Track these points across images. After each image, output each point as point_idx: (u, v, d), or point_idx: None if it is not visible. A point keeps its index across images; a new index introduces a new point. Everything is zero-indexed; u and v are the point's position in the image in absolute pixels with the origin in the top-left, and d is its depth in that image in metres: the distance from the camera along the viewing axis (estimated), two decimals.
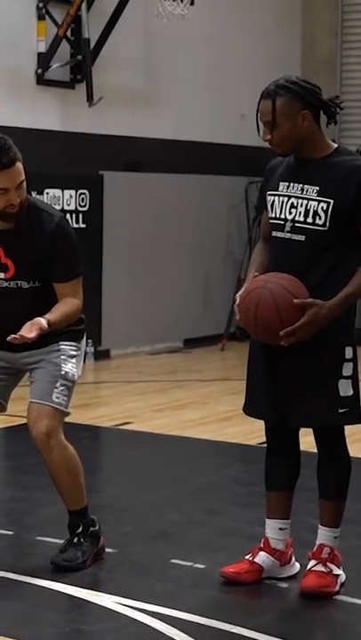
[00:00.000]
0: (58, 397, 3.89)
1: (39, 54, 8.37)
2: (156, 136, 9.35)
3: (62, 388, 3.90)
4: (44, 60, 8.36)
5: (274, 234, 3.69)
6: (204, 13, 9.26)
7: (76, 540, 3.97)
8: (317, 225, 3.59)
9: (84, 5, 8.34)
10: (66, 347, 3.95)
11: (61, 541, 4.02)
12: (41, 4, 8.31)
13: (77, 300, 3.92)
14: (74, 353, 3.96)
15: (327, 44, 11.00)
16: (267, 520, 3.85)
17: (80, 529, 3.97)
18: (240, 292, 3.65)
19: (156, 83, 9.39)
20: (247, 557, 3.84)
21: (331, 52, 11.00)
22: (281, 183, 3.67)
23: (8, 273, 3.90)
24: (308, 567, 3.76)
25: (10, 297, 3.91)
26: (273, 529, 3.83)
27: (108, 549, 4.09)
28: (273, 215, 3.69)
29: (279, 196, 3.67)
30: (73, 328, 3.97)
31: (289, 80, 3.62)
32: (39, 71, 8.37)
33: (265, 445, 5.77)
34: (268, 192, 3.71)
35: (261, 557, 3.82)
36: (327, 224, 3.58)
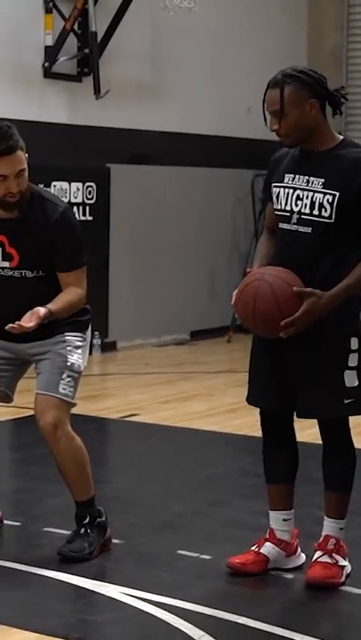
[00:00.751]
0: (64, 389, 3.91)
1: (46, 48, 8.38)
2: (163, 129, 9.35)
3: (68, 379, 3.92)
4: (51, 53, 8.37)
5: (281, 225, 3.69)
6: (210, 7, 9.25)
7: (82, 530, 3.99)
8: (323, 217, 3.59)
9: None
10: (71, 338, 3.96)
11: (68, 532, 4.05)
12: None
13: (80, 290, 3.93)
14: (79, 344, 3.98)
15: (333, 38, 10.98)
16: (270, 512, 3.87)
17: (87, 520, 3.99)
18: (236, 290, 3.65)
19: (162, 76, 9.39)
20: (253, 548, 3.86)
21: (337, 45, 10.98)
22: (286, 175, 3.67)
23: (13, 262, 3.91)
24: (314, 558, 3.78)
25: (14, 286, 3.93)
26: (277, 520, 3.86)
27: (114, 540, 4.11)
28: (279, 207, 3.69)
29: (285, 187, 3.67)
30: (78, 319, 3.99)
31: (296, 69, 3.62)
32: (46, 64, 8.38)
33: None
34: (274, 184, 3.71)
35: (267, 548, 3.84)
36: (333, 216, 3.59)
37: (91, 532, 3.99)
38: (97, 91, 8.51)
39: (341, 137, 3.71)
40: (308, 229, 3.62)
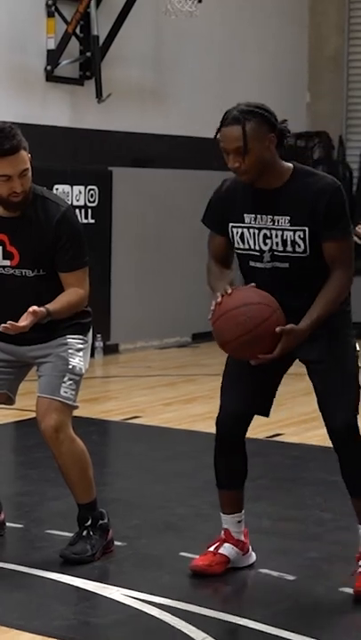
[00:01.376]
0: (66, 392, 3.91)
1: (48, 51, 8.40)
2: (165, 132, 9.37)
3: (70, 382, 3.93)
4: (53, 56, 8.39)
5: (252, 264, 3.67)
6: (212, 10, 9.27)
7: (85, 533, 4.00)
8: (298, 252, 3.60)
9: (92, 2, 8.37)
10: (72, 340, 3.97)
11: (70, 534, 4.06)
12: (50, 2, 8.34)
13: (82, 291, 3.93)
14: (80, 346, 3.99)
15: (334, 41, 11.01)
16: (224, 515, 3.90)
17: (89, 522, 4.00)
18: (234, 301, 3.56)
19: (164, 79, 9.41)
20: (211, 550, 3.89)
21: (338, 48, 11.01)
22: (246, 215, 3.65)
23: (13, 261, 3.91)
24: (360, 570, 3.73)
25: (15, 285, 3.93)
26: (232, 523, 3.90)
27: (116, 542, 4.12)
28: (246, 247, 3.67)
29: (248, 228, 3.65)
30: (79, 321, 4.00)
31: (250, 105, 3.60)
32: (48, 68, 8.40)
33: (272, 439, 5.82)
34: (233, 224, 3.68)
35: (227, 549, 3.88)
36: (308, 250, 3.59)
37: (93, 535, 4.00)
38: (99, 94, 8.53)
39: (290, 165, 3.66)
40: (286, 264, 3.62)
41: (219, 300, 3.57)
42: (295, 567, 3.97)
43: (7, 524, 4.31)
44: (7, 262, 3.93)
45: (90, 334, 4.09)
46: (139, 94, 9.18)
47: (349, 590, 3.75)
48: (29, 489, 4.98)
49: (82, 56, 8.60)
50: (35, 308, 3.78)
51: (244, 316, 3.51)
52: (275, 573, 3.90)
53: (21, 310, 3.84)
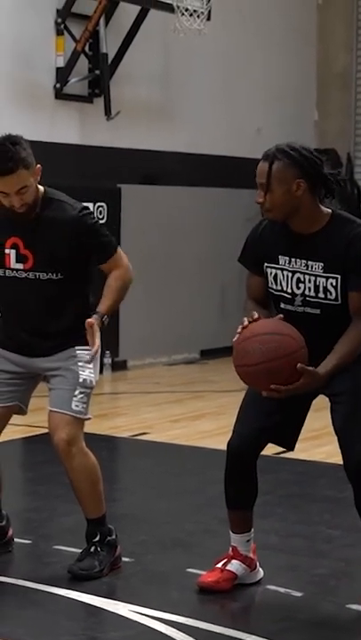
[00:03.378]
0: (77, 405, 3.93)
1: (58, 69, 8.46)
2: (173, 149, 9.41)
3: (81, 395, 3.94)
4: (62, 74, 8.45)
5: (283, 306, 3.68)
6: (220, 29, 9.33)
7: (93, 549, 4.00)
8: (330, 300, 3.60)
9: (102, 21, 8.42)
10: (82, 352, 3.97)
11: (78, 551, 4.06)
12: (59, 20, 8.40)
13: (120, 271, 3.97)
14: (90, 358, 3.98)
15: (342, 59, 11.06)
16: (233, 534, 3.91)
17: (97, 538, 4.00)
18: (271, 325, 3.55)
19: (173, 97, 9.46)
20: (218, 566, 3.89)
21: (346, 66, 11.06)
22: (281, 257, 3.66)
23: (27, 264, 3.91)
24: None
25: (27, 289, 3.92)
26: (241, 542, 3.90)
27: (123, 558, 4.13)
28: (278, 288, 3.68)
29: (282, 270, 3.66)
30: (84, 332, 3.98)
31: (291, 146, 3.58)
32: (57, 86, 8.46)
33: (280, 456, 5.81)
34: (268, 264, 3.68)
35: (234, 565, 3.88)
36: (339, 298, 3.59)
37: (101, 551, 4.00)
38: (108, 112, 8.58)
39: (330, 211, 3.65)
40: (317, 311, 3.62)
41: (245, 323, 3.54)
42: (303, 584, 3.97)
43: (16, 539, 4.32)
44: (20, 265, 3.91)
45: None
46: (147, 112, 9.22)
47: (357, 607, 3.75)
48: (38, 505, 4.99)
49: (91, 74, 8.66)
50: (90, 321, 3.80)
51: (270, 343, 3.48)
52: (282, 590, 3.90)
53: (32, 314, 3.87)
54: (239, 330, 3.55)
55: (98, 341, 3.83)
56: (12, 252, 3.91)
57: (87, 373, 3.96)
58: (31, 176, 3.84)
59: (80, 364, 3.95)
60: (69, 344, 3.97)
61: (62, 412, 3.91)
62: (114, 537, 4.05)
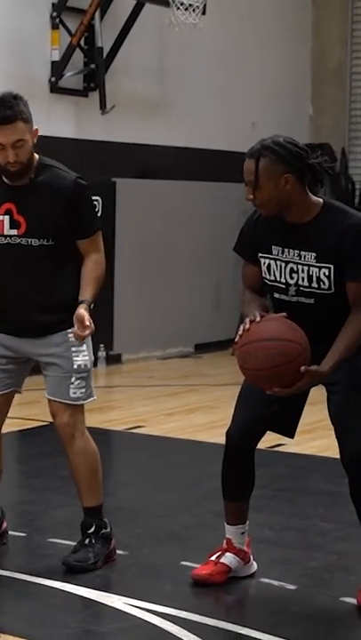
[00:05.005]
0: (74, 392, 3.94)
1: (53, 63, 8.44)
2: (169, 143, 9.41)
3: (78, 381, 3.94)
4: (57, 68, 8.43)
5: (277, 296, 3.69)
6: (215, 23, 9.32)
7: (87, 541, 4.02)
8: (323, 289, 3.61)
9: (97, 15, 8.41)
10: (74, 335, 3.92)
11: (73, 543, 4.07)
12: (55, 14, 8.38)
13: (99, 255, 3.95)
14: (80, 342, 3.93)
15: (337, 55, 11.06)
16: (228, 526, 3.92)
17: (92, 529, 4.01)
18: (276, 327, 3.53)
19: (168, 91, 9.46)
20: (212, 559, 3.91)
21: (341, 62, 11.06)
22: (274, 247, 3.66)
23: (20, 229, 3.89)
24: None
25: (19, 255, 3.89)
26: (235, 534, 3.92)
27: (118, 551, 4.14)
28: (272, 278, 3.68)
29: (276, 260, 3.67)
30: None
31: (275, 141, 3.58)
32: (53, 79, 8.44)
33: (274, 449, 5.83)
34: (262, 254, 3.69)
35: (228, 558, 3.90)
36: (332, 288, 3.60)
37: (95, 543, 4.01)
38: (103, 106, 8.57)
39: (321, 200, 3.64)
40: (311, 300, 3.63)
41: (247, 326, 3.53)
42: (296, 577, 3.99)
43: (10, 532, 4.33)
44: (14, 231, 3.89)
45: None
46: (143, 106, 9.22)
47: (350, 600, 3.76)
48: (32, 497, 5.00)
49: (86, 68, 8.65)
50: (82, 313, 3.77)
51: (274, 350, 3.47)
52: (276, 583, 3.92)
53: (24, 285, 3.86)
54: (241, 332, 3.54)
55: (89, 325, 3.77)
56: (6, 219, 3.89)
57: (81, 358, 3.94)
58: (28, 132, 3.85)
59: (73, 348, 3.93)
60: (60, 326, 3.93)
61: (60, 401, 3.94)
62: (108, 530, 4.06)
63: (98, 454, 4.01)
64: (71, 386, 3.93)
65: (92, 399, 4.01)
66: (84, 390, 3.97)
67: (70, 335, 3.92)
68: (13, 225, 3.89)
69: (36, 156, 3.95)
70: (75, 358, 3.94)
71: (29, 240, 3.89)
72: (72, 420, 3.94)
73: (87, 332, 3.81)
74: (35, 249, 3.88)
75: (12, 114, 3.79)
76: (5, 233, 3.90)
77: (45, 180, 3.89)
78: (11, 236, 3.90)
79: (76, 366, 3.94)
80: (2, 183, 3.91)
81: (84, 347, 3.96)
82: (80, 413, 3.98)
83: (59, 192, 3.87)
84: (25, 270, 3.91)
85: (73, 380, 3.93)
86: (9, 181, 3.90)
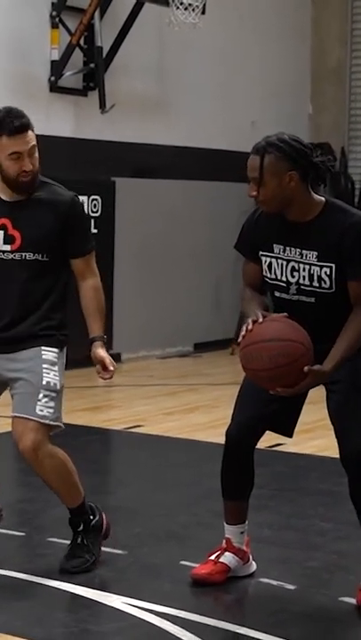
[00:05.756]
0: (42, 410, 3.77)
1: (52, 62, 8.44)
2: (168, 143, 9.41)
3: (45, 399, 3.78)
4: (57, 67, 8.43)
5: (277, 294, 3.69)
6: (215, 22, 9.32)
7: (79, 540, 3.98)
8: (324, 288, 3.60)
9: (97, 14, 8.40)
10: (47, 352, 3.84)
11: None
12: (54, 13, 8.38)
13: (95, 280, 3.93)
14: (55, 360, 3.85)
15: (337, 53, 11.05)
16: (227, 525, 3.91)
17: (81, 527, 3.98)
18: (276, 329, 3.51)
19: (167, 90, 9.45)
20: (212, 558, 3.90)
21: (340, 60, 11.06)
22: (275, 245, 3.66)
23: (14, 244, 3.86)
24: None
25: (13, 271, 3.85)
26: (234, 533, 3.91)
27: (117, 550, 4.14)
28: (273, 277, 3.68)
29: (277, 258, 3.66)
30: (56, 334, 3.88)
31: (280, 138, 3.58)
32: (52, 79, 8.44)
33: (274, 449, 5.83)
34: (263, 253, 3.69)
35: (227, 558, 3.89)
36: (333, 287, 3.60)
37: (87, 539, 3.98)
38: (102, 105, 8.57)
39: (323, 199, 3.65)
40: (312, 299, 3.62)
41: (250, 327, 3.52)
42: (296, 576, 3.98)
43: (9, 531, 4.32)
44: (7, 247, 3.87)
45: (64, 351, 3.92)
46: (142, 105, 9.22)
47: (349, 600, 3.76)
48: (31, 496, 4.99)
49: (86, 67, 8.64)
50: (99, 353, 3.83)
51: (276, 350, 3.46)
52: (275, 583, 3.92)
53: (12, 300, 3.82)
54: (243, 333, 3.54)
55: (110, 375, 3.82)
56: (0, 234, 3.88)
57: (52, 376, 3.81)
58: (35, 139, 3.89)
59: (44, 365, 3.82)
60: (37, 342, 3.84)
61: (26, 418, 3.76)
62: (97, 517, 4.00)
63: (67, 461, 3.85)
64: (38, 402, 3.76)
65: (58, 425, 3.80)
66: (52, 410, 3.77)
67: (44, 352, 3.83)
68: (7, 240, 3.88)
69: None
70: (44, 374, 3.80)
71: (23, 254, 3.86)
72: (37, 442, 3.73)
73: (110, 375, 3.82)
74: (28, 264, 3.86)
75: (26, 122, 3.84)
76: None
77: (42, 196, 3.90)
78: (4, 252, 3.88)
79: (44, 382, 3.79)
80: None
81: (56, 367, 3.85)
82: (44, 434, 3.76)
83: (55, 208, 3.88)
84: (15, 285, 3.86)
85: (40, 396, 3.77)
86: (14, 194, 3.88)
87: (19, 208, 3.89)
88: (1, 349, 3.88)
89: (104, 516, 4.06)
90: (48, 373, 3.81)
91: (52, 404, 3.79)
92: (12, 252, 3.87)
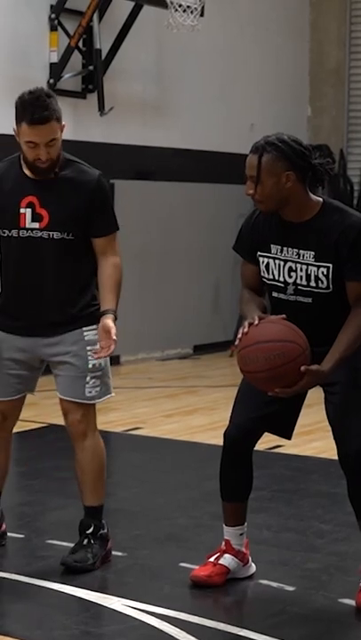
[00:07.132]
0: (90, 392, 3.95)
1: (51, 64, 8.45)
2: (167, 145, 9.42)
3: (93, 380, 3.94)
4: (56, 70, 8.44)
5: (275, 295, 3.70)
6: (213, 24, 9.33)
7: (86, 541, 4.02)
8: (321, 288, 3.61)
9: (95, 16, 8.42)
10: (89, 333, 3.92)
11: (72, 545, 4.07)
12: (53, 15, 8.39)
13: (116, 259, 3.94)
14: (96, 339, 3.91)
15: (335, 55, 11.07)
16: (226, 527, 3.92)
17: (91, 530, 4.02)
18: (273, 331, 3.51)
19: (166, 92, 9.46)
20: (211, 560, 3.91)
21: (339, 62, 11.07)
22: (273, 246, 3.67)
23: (42, 222, 3.88)
24: None
25: (41, 249, 3.87)
26: (233, 535, 3.92)
27: (117, 552, 4.14)
28: (270, 277, 3.69)
29: (274, 259, 3.67)
30: (91, 310, 3.95)
31: (280, 138, 3.60)
32: (51, 81, 8.45)
33: (273, 451, 5.83)
34: (260, 253, 3.70)
35: (227, 560, 3.90)
36: (331, 287, 3.60)
37: (94, 543, 4.02)
38: (101, 107, 8.58)
39: (321, 200, 3.65)
40: (309, 299, 3.63)
41: (246, 330, 3.53)
42: (295, 578, 3.99)
43: (9, 534, 4.33)
44: (36, 224, 3.88)
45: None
46: (141, 107, 9.23)
47: (349, 601, 3.76)
48: (31, 499, 5.00)
49: (84, 69, 8.65)
50: (107, 323, 3.77)
51: (273, 351, 3.47)
52: (274, 584, 3.92)
53: (42, 279, 3.85)
54: (240, 335, 3.54)
55: (112, 348, 3.78)
56: (28, 211, 3.89)
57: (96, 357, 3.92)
58: (59, 130, 3.87)
59: (88, 348, 3.92)
60: (75, 324, 3.92)
61: (74, 401, 3.94)
62: (106, 531, 4.07)
63: (105, 455, 4.04)
64: (86, 385, 3.93)
65: (108, 396, 4.02)
66: (98, 389, 3.97)
67: (87, 334, 3.91)
68: (35, 218, 3.88)
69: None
70: (89, 358, 3.93)
71: (51, 233, 3.88)
72: (84, 418, 3.95)
73: (112, 346, 3.79)
74: (55, 242, 3.88)
75: (48, 114, 3.80)
76: (27, 226, 3.88)
77: (69, 175, 3.90)
78: (32, 229, 3.89)
79: (90, 365, 3.93)
80: (24, 176, 3.91)
81: (98, 345, 3.91)
82: (93, 411, 3.99)
83: (82, 186, 3.89)
84: (43, 265, 3.89)
85: (88, 379, 3.93)
86: (34, 176, 3.90)
87: (46, 186, 3.89)
88: (39, 332, 3.94)
89: (110, 541, 4.09)
90: (93, 355, 3.91)
91: (97, 382, 3.94)
92: (40, 229, 3.89)
